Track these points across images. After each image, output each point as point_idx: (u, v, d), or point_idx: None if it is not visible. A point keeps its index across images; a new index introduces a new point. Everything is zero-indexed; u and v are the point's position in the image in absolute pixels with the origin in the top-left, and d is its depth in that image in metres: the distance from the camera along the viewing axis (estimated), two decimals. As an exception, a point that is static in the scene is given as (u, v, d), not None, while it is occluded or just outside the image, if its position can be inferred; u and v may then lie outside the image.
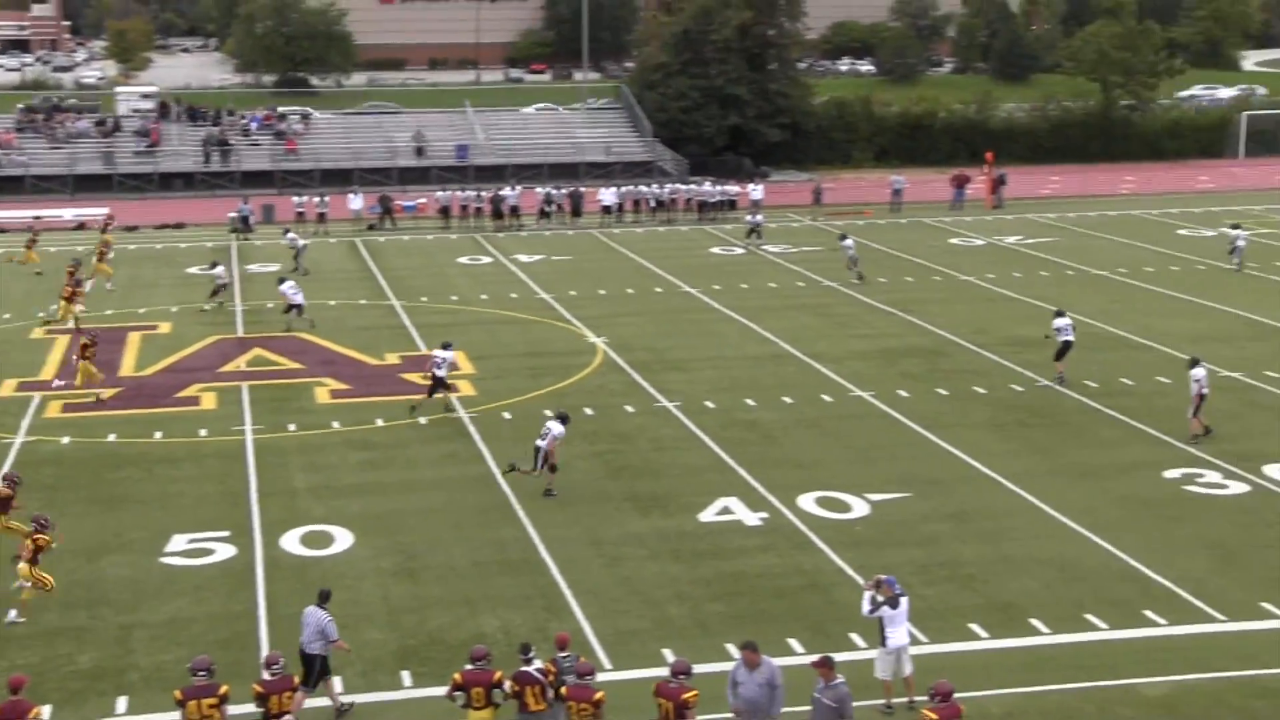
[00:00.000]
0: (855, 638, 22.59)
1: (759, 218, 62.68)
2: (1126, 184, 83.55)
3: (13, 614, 23.82)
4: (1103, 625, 23.21)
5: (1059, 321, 38.46)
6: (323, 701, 20.59)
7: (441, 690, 19.69)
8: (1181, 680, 21.29)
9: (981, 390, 37.24)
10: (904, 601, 20.64)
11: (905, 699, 20.54)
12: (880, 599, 20.53)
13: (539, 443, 29.52)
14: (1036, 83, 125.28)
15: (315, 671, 20.44)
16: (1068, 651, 22.33)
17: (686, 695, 17.80)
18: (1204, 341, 41.69)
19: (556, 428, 29.51)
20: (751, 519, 28.14)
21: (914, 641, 21.89)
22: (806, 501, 28.99)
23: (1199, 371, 33.29)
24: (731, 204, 70.23)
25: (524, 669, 18.68)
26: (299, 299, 44.96)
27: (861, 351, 41.77)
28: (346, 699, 20.78)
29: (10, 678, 18.56)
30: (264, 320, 46.51)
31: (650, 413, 35.69)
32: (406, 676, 21.73)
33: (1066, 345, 37.99)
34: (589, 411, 35.62)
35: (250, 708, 18.87)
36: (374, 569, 25.87)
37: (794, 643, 22.57)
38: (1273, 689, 21.04)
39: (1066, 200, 76.43)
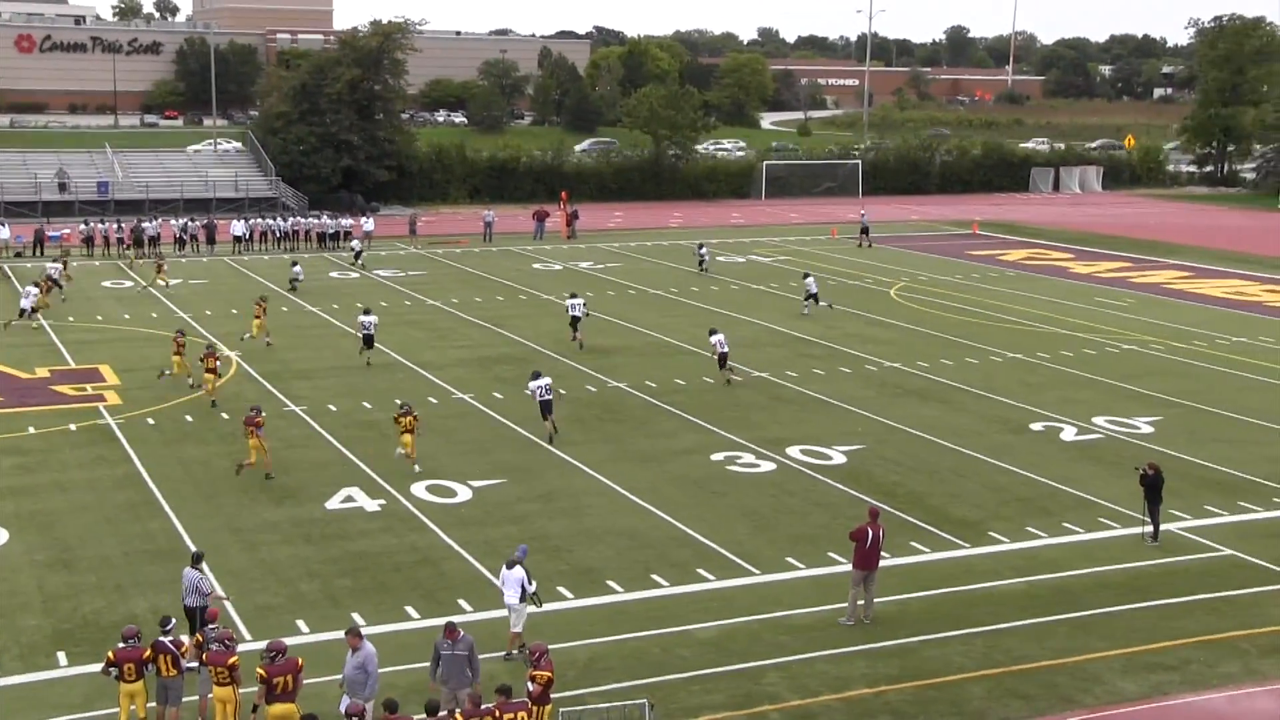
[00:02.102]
0: (463, 603, 22.59)
1: (355, 243, 63.66)
2: (675, 219, 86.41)
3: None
4: (665, 583, 23.89)
5: (571, 301, 44.38)
6: None
7: (96, 667, 18.67)
8: (727, 624, 22.09)
9: (562, 391, 37.67)
10: (518, 567, 20.68)
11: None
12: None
13: (546, 396, 32.41)
14: (601, 134, 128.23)
15: (199, 622, 19.86)
16: (638, 606, 22.88)
17: (300, 664, 17.48)
18: (737, 347, 43.40)
19: (535, 383, 32.62)
20: (371, 505, 27.76)
21: (513, 604, 22.21)
22: (418, 489, 28.79)
23: (717, 337, 39.29)
24: (346, 235, 69.07)
25: (160, 639, 18.01)
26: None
27: (461, 360, 41.78)
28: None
29: None
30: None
31: (281, 416, 34.74)
32: (62, 657, 20.45)
33: (575, 320, 43.74)
34: (226, 416, 34.38)
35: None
36: (29, 562, 24.25)
37: (410, 609, 22.40)
38: (796, 626, 22.08)
39: (628, 232, 78.46)
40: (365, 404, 35.90)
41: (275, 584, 23.47)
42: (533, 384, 32.83)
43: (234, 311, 49.11)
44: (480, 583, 23.57)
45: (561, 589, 23.46)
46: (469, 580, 23.70)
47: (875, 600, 22.38)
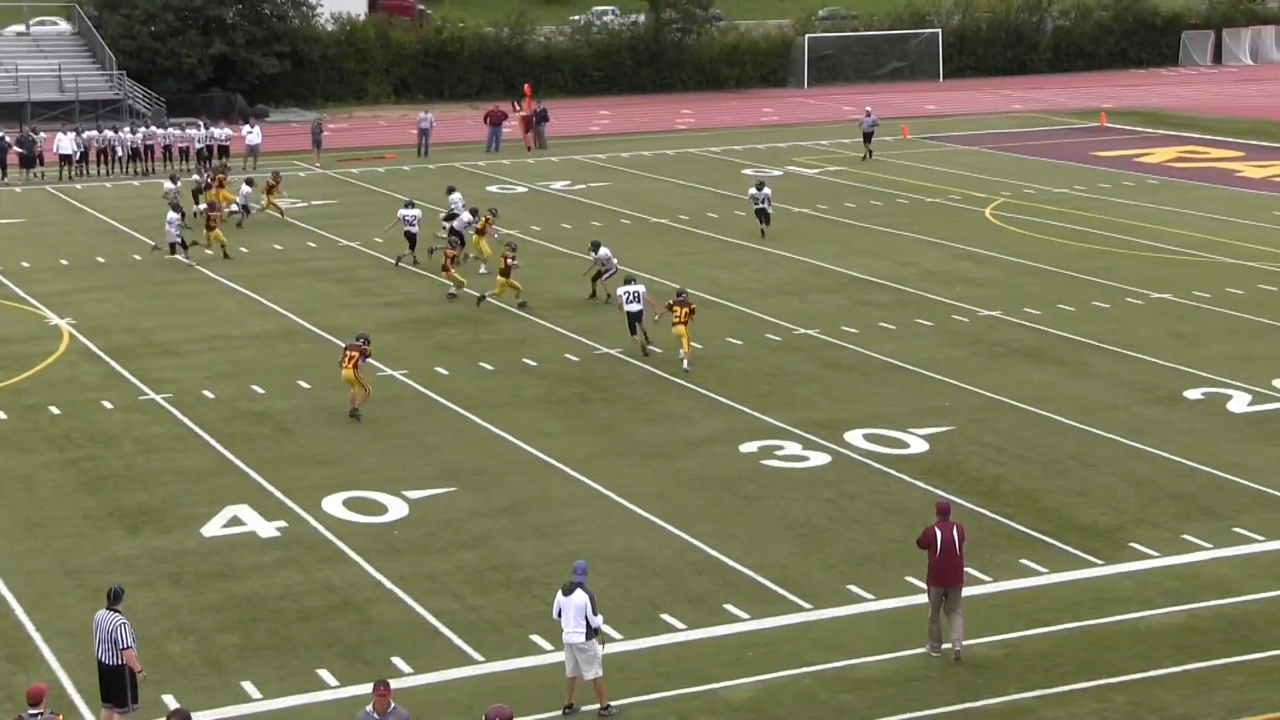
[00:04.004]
0: (399, 662, 22.62)
1: (241, 197, 56.89)
2: (684, 118, 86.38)
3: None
4: (681, 625, 23.92)
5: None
6: None
7: None
8: (768, 679, 22.11)
9: (532, 362, 37.81)
10: (579, 592, 21.00)
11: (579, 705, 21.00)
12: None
13: (633, 307, 37.20)
14: (577, 1, 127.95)
15: (126, 684, 20.29)
16: (643, 658, 22.90)
17: None
18: (774, 295, 43.66)
19: (635, 288, 37.50)
20: (267, 530, 27.82)
21: (469, 661, 22.27)
22: (333, 504, 28.87)
23: (603, 253, 43.38)
24: (224, 150, 68.72)
25: None
26: None
27: (391, 322, 41.82)
28: None
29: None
30: None
31: (135, 408, 34.83)
32: None
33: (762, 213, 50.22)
34: (55, 411, 34.47)
35: None
36: None
37: (325, 674, 22.38)
38: (863, 679, 22.10)
39: (618, 138, 78.46)
40: (256, 388, 35.98)
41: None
42: (623, 289, 37.77)
43: (63, 262, 49.05)
44: (423, 632, 23.64)
45: (535, 637, 23.47)
46: (406, 629, 23.74)
47: (965, 639, 22.47)
